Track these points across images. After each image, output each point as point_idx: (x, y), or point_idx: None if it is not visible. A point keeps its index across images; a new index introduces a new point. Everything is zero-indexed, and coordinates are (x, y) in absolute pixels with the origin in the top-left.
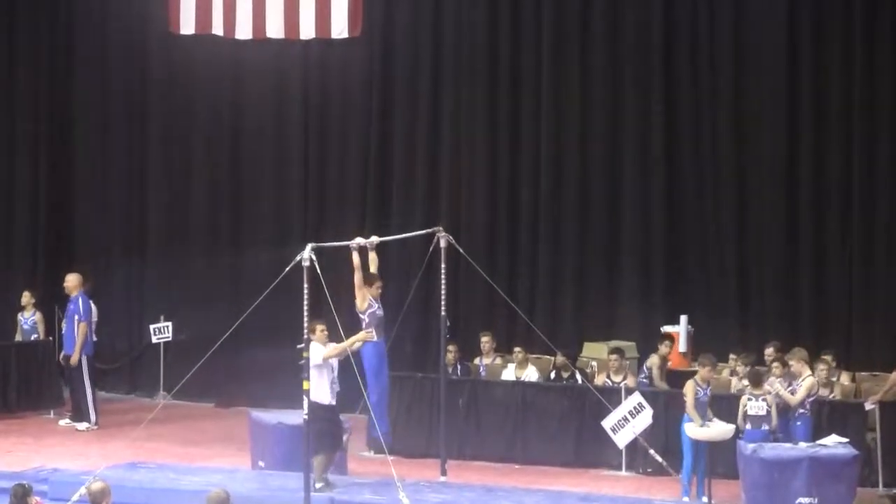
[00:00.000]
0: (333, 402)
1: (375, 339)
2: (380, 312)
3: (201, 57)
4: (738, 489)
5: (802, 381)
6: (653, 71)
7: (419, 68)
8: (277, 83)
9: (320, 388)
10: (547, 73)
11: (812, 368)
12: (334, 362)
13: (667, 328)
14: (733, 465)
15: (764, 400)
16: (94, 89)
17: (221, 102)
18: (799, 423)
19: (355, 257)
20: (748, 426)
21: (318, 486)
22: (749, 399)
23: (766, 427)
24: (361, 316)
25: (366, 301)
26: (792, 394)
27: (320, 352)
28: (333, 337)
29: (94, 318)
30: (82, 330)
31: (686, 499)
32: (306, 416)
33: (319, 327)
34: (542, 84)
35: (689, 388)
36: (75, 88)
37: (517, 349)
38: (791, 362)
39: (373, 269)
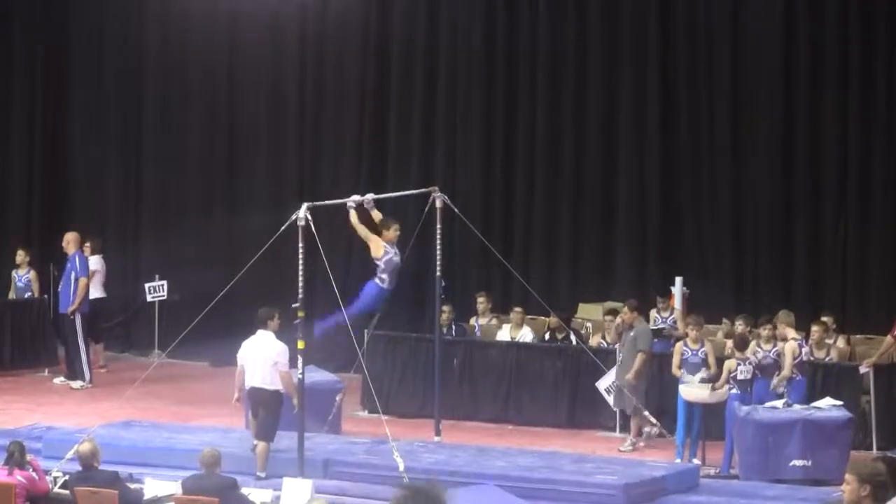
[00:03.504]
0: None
1: (386, 285)
2: (396, 259)
3: (197, 10)
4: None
5: (785, 346)
6: (649, 32)
7: (415, 27)
8: (274, 41)
9: (270, 376)
10: (543, 31)
11: (807, 333)
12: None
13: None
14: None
15: (750, 364)
16: (89, 44)
17: (217, 61)
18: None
19: (353, 216)
20: (734, 390)
21: (261, 475)
22: (738, 364)
23: (748, 390)
24: (377, 262)
25: (381, 248)
26: (776, 360)
27: (276, 350)
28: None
29: (103, 275)
30: (82, 285)
31: (678, 461)
32: (300, 376)
33: (278, 316)
34: (539, 43)
35: (676, 349)
36: (71, 42)
37: (517, 309)
38: (778, 325)
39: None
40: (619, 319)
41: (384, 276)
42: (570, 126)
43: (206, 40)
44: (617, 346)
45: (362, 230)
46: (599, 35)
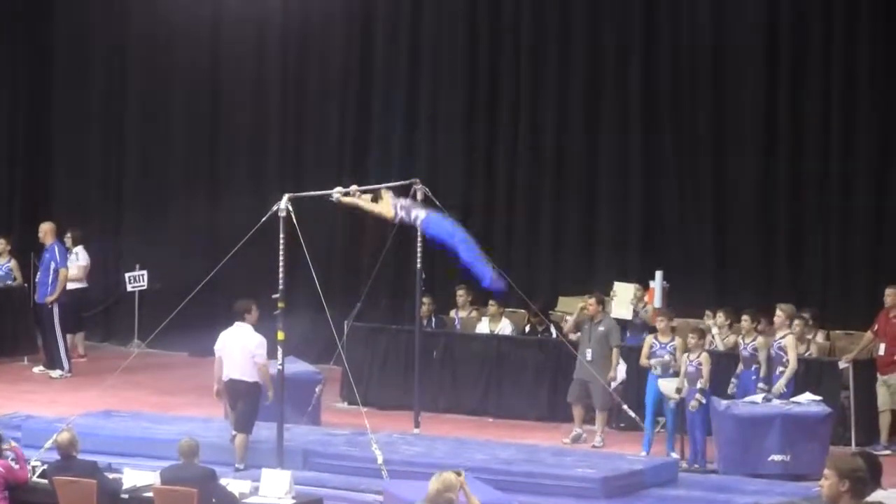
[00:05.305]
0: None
1: (430, 214)
2: (407, 201)
3: (182, 6)
4: (708, 446)
5: (783, 339)
6: (632, 21)
7: (399, 20)
8: (257, 35)
9: (249, 368)
10: (526, 22)
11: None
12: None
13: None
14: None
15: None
16: (73, 34)
17: (201, 53)
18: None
19: (348, 200)
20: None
21: (240, 466)
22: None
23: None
24: (401, 219)
25: (390, 207)
26: (781, 353)
27: (254, 342)
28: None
29: (87, 265)
30: (62, 276)
31: (644, 453)
32: (280, 367)
33: (255, 308)
34: (522, 35)
35: (646, 341)
36: (55, 29)
37: (491, 303)
38: (778, 314)
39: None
40: (579, 310)
41: (418, 212)
42: (552, 119)
43: (189, 28)
44: (574, 336)
45: (364, 203)
46: (583, 24)
